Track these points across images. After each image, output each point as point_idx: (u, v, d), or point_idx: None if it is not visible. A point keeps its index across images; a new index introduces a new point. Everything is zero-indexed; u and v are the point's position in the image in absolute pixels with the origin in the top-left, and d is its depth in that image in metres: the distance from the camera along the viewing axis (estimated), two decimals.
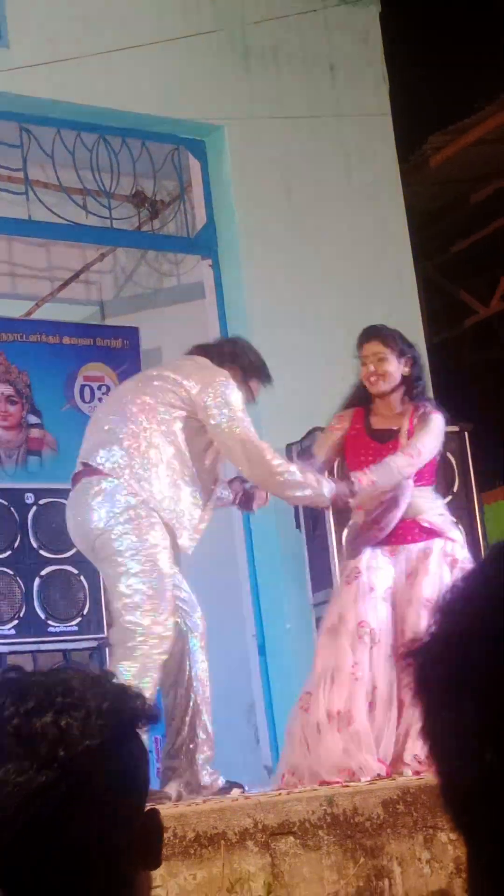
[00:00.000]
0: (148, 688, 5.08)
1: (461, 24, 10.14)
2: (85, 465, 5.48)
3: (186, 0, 8.26)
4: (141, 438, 5.40)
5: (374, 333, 6.04)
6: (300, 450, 7.31)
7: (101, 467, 5.38)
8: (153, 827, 1.50)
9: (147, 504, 5.32)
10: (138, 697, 1.52)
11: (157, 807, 1.60)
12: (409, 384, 5.99)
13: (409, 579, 5.62)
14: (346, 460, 6.04)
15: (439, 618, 0.75)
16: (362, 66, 8.84)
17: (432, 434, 5.82)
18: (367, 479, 5.67)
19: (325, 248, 8.32)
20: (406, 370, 5.97)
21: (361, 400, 6.07)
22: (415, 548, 5.72)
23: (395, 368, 5.92)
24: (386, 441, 5.86)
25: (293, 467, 5.72)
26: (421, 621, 5.54)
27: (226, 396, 5.49)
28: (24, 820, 1.39)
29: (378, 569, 5.71)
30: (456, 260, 11.39)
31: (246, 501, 6.10)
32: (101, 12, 7.89)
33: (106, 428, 5.51)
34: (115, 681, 1.54)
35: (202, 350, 5.85)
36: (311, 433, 7.14)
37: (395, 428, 5.87)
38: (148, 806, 1.51)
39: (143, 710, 1.51)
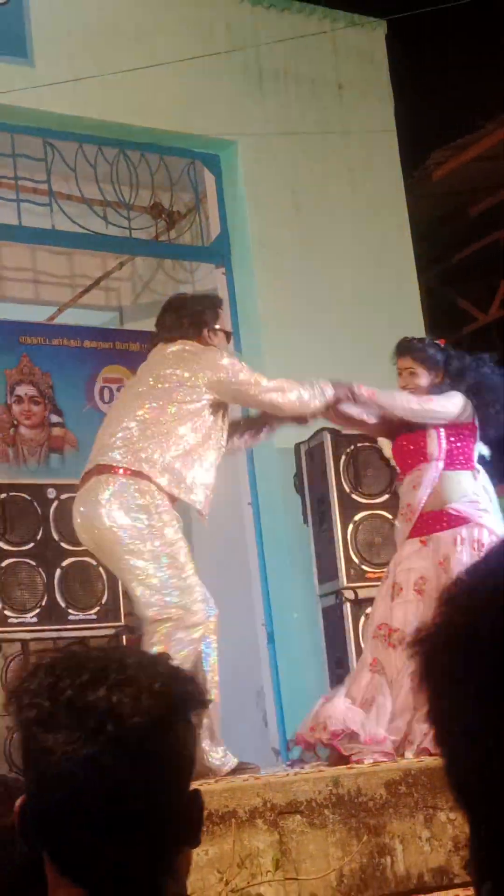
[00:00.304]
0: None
1: (463, 46, 10.14)
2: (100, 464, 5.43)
3: (203, 23, 8.28)
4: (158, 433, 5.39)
5: (405, 349, 6.14)
6: (308, 449, 7.33)
7: (115, 464, 5.35)
8: (196, 807, 1.48)
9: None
10: (190, 681, 1.50)
11: None
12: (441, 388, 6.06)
13: (441, 567, 5.63)
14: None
15: (444, 609, 0.77)
16: (368, 86, 8.84)
17: (447, 397, 5.89)
18: (368, 389, 5.79)
19: (332, 257, 8.33)
20: (437, 380, 6.03)
21: None
22: (445, 535, 5.70)
23: (426, 380, 5.99)
24: (415, 429, 5.94)
25: (266, 381, 5.68)
26: None
27: (234, 368, 5.53)
28: (69, 787, 1.38)
29: (410, 567, 5.72)
30: (456, 269, 11.38)
31: (254, 436, 6.10)
32: (122, 33, 7.91)
33: (120, 429, 5.47)
34: (170, 662, 1.52)
35: (172, 332, 5.74)
36: (318, 433, 7.15)
37: None
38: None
39: (194, 693, 1.49)
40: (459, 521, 5.72)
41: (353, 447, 7.11)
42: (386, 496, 7.07)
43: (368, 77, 8.85)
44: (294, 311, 8.10)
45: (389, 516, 6.99)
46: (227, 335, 5.85)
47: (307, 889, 4.26)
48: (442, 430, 5.85)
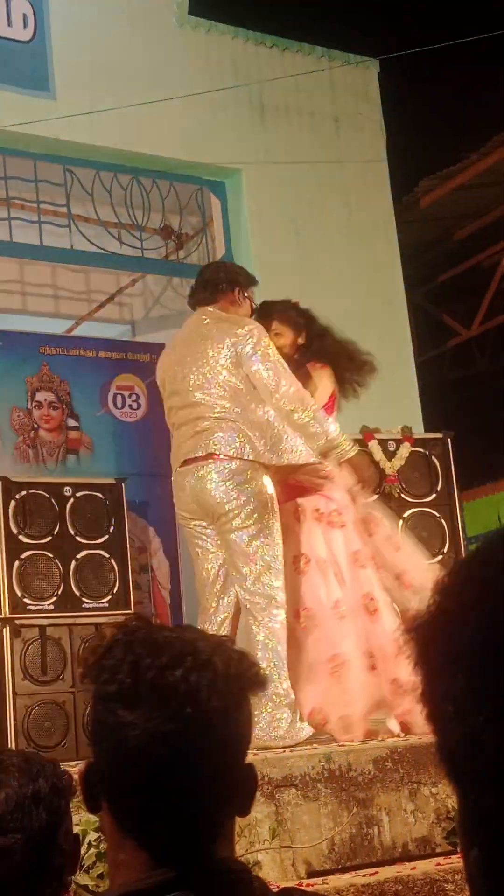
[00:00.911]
0: None
1: (449, 83, 10.16)
2: None
3: (211, 60, 8.29)
4: None
5: (267, 312, 6.10)
6: None
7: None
8: (251, 779, 1.49)
9: None
10: (255, 665, 1.50)
11: None
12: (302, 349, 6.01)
13: None
14: None
15: (438, 598, 0.77)
16: (362, 120, 8.86)
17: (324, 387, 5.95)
18: None
19: (327, 276, 8.33)
20: (301, 341, 6.01)
21: None
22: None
23: (289, 340, 5.97)
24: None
25: None
26: None
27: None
28: (145, 760, 1.39)
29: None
30: (441, 288, 11.40)
31: None
32: (136, 69, 7.92)
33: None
34: (234, 646, 1.52)
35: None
36: None
37: None
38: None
39: (258, 678, 1.50)
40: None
41: None
42: (375, 496, 7.06)
43: (362, 111, 8.87)
44: None
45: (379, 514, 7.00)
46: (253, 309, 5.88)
47: (301, 856, 4.26)
48: None
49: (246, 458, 5.25)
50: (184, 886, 1.36)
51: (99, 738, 1.45)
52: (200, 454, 5.29)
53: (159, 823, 1.40)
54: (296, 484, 5.62)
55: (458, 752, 0.74)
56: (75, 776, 1.54)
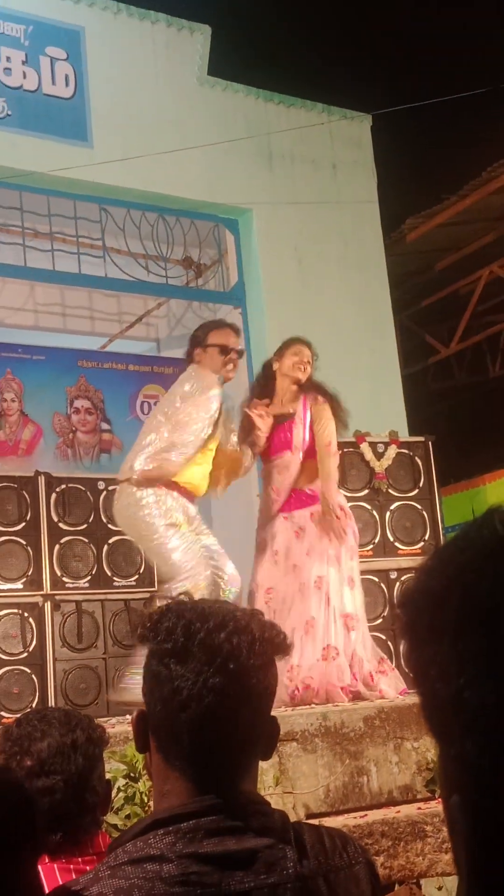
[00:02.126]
0: None
1: (433, 135, 10.16)
2: None
3: (226, 114, 8.30)
4: None
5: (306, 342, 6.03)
6: None
7: None
8: (275, 729, 1.52)
9: None
10: (283, 633, 1.54)
11: None
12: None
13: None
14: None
15: (423, 578, 0.78)
16: (357, 166, 8.86)
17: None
18: None
19: (326, 301, 8.34)
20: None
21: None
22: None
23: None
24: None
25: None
26: None
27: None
28: (195, 707, 1.42)
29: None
30: (424, 312, 11.39)
31: None
32: (163, 122, 7.94)
33: None
34: (264, 617, 1.55)
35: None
36: None
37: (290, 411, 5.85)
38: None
39: (285, 643, 1.53)
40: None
41: (340, 451, 7.09)
42: (366, 491, 7.06)
43: (357, 159, 8.87)
44: None
45: (369, 507, 7.00)
46: (222, 348, 5.51)
47: (301, 801, 4.26)
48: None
49: None
50: (222, 812, 1.41)
51: (152, 688, 1.48)
52: None
53: (202, 760, 1.44)
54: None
55: (442, 709, 0.74)
56: (108, 730, 1.56)
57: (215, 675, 1.43)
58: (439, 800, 0.81)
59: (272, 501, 5.75)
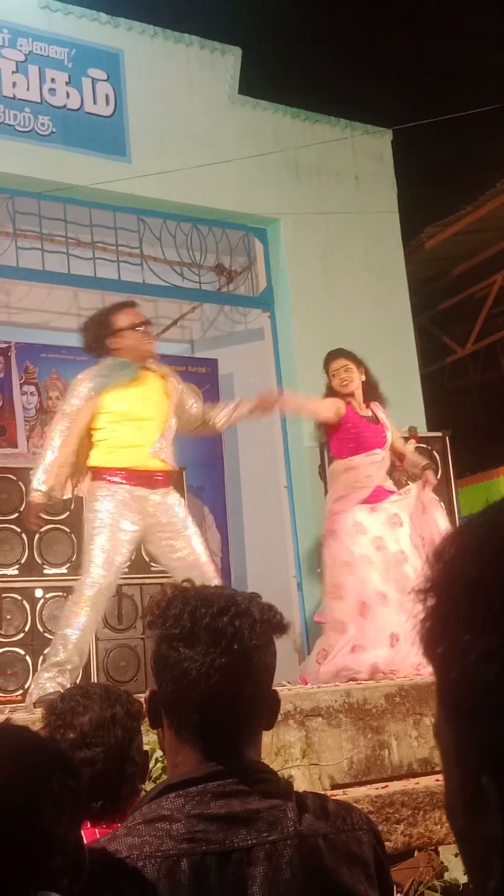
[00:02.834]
0: None
1: (450, 148, 10.10)
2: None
3: (256, 129, 8.28)
4: None
5: (343, 353, 6.08)
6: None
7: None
8: (276, 702, 1.55)
9: None
10: (280, 614, 1.56)
11: None
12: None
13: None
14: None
15: (449, 563, 0.75)
16: (378, 178, 8.82)
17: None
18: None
19: (350, 305, 8.31)
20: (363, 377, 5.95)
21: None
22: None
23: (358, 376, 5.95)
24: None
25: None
26: None
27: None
28: (203, 686, 1.45)
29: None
30: (442, 314, 11.34)
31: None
32: (196, 137, 7.93)
33: None
34: (262, 600, 1.58)
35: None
36: None
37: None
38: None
39: (282, 623, 1.56)
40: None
41: None
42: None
43: (378, 171, 8.83)
44: (321, 345, 8.03)
45: None
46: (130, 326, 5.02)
47: (326, 772, 4.25)
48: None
49: None
50: (227, 777, 1.44)
51: (163, 670, 1.50)
52: None
53: (210, 733, 1.47)
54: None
55: (476, 695, 0.70)
56: (144, 703, 1.60)
57: (221, 656, 1.46)
58: (450, 780, 0.76)
59: (356, 493, 5.73)
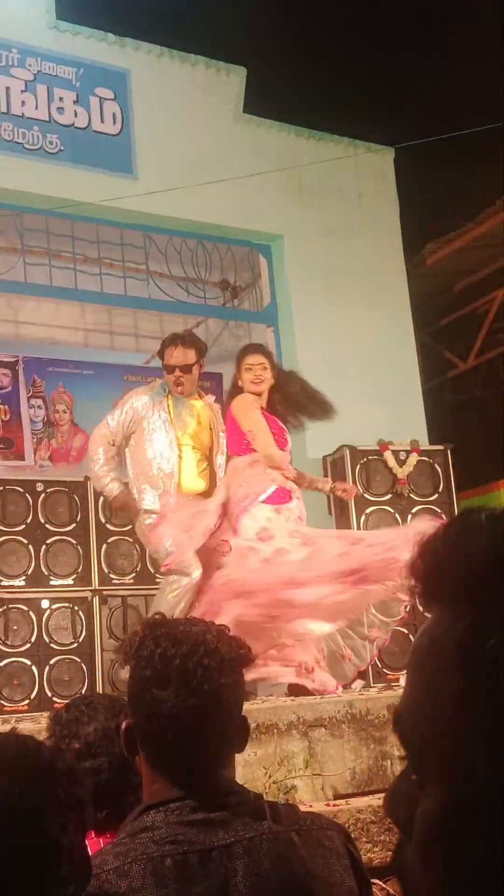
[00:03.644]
0: None
1: (451, 166, 10.12)
2: None
3: (260, 149, 8.31)
4: None
5: (257, 349, 5.67)
6: (332, 460, 7.32)
7: None
8: (246, 728, 1.61)
9: None
10: (246, 647, 1.61)
11: None
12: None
13: None
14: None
15: (426, 556, 0.75)
16: (380, 196, 8.83)
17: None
18: None
19: (352, 321, 8.31)
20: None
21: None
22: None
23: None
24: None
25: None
26: None
27: None
28: (176, 725, 1.51)
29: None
30: (443, 330, 11.34)
31: None
32: (202, 155, 7.95)
33: None
34: (230, 633, 1.63)
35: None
36: (339, 448, 7.15)
37: None
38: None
39: (249, 656, 1.61)
40: None
41: (365, 459, 7.09)
42: (389, 496, 7.04)
43: (380, 189, 8.85)
44: (324, 360, 8.09)
45: (392, 510, 6.97)
46: (168, 368, 5.50)
47: (329, 782, 4.24)
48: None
49: None
50: (203, 795, 1.51)
51: (137, 707, 1.57)
52: None
53: (184, 766, 1.54)
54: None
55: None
56: (121, 735, 1.68)
57: (191, 697, 1.51)
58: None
59: (261, 486, 5.36)
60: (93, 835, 2.00)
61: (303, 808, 1.70)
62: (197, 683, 1.50)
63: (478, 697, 0.67)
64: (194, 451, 5.44)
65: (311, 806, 3.81)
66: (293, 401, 5.54)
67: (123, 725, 1.59)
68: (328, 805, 3.90)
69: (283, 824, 1.51)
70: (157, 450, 5.36)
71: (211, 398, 5.69)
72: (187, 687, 1.50)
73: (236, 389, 5.51)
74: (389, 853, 3.65)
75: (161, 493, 5.28)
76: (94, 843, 1.97)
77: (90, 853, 1.35)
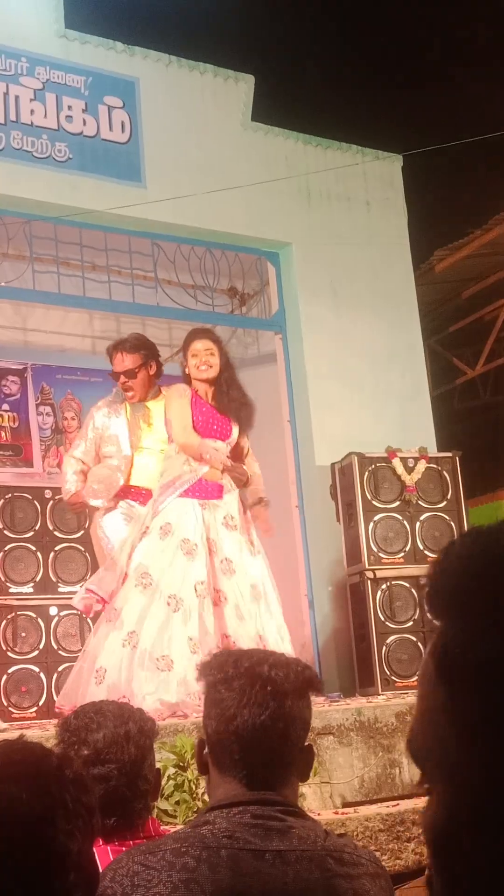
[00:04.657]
0: None
1: (458, 174, 10.13)
2: None
3: (268, 157, 8.32)
4: None
5: (203, 333, 5.47)
6: (340, 467, 7.30)
7: None
8: (310, 756, 1.72)
9: None
10: (314, 672, 1.74)
11: None
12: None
13: None
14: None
15: (437, 571, 0.77)
16: (389, 203, 8.83)
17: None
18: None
19: (360, 328, 8.31)
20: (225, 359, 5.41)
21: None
22: None
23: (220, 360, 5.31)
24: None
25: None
26: None
27: None
28: (237, 724, 1.63)
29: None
30: (451, 337, 11.35)
31: None
32: (210, 163, 7.96)
33: None
34: (302, 661, 1.77)
35: None
36: (347, 455, 7.14)
37: None
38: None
39: (315, 680, 1.73)
40: None
41: (373, 466, 7.07)
42: (397, 503, 7.03)
43: (389, 197, 8.85)
44: (332, 367, 8.10)
45: (400, 517, 6.96)
46: (114, 375, 5.72)
47: (337, 790, 4.23)
48: None
49: None
50: (265, 804, 1.60)
51: (208, 710, 1.68)
52: None
53: (248, 763, 1.63)
54: None
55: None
56: (158, 722, 1.75)
57: (256, 695, 1.62)
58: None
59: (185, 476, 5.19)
60: (101, 842, 1.99)
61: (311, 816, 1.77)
62: (262, 684, 1.62)
63: (457, 703, 0.71)
64: (160, 452, 5.46)
65: (318, 814, 3.80)
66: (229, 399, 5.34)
67: (196, 740, 1.76)
68: (336, 813, 3.89)
69: (335, 844, 1.59)
70: (111, 452, 5.52)
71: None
72: (252, 686, 1.62)
73: (184, 378, 5.36)
74: (398, 861, 3.64)
75: (105, 489, 5.41)
76: (102, 851, 1.97)
77: (98, 860, 1.35)
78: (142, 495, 5.42)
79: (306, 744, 1.70)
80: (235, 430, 5.33)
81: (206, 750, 1.68)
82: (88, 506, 5.61)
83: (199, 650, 4.60)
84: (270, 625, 4.98)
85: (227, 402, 5.30)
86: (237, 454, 5.35)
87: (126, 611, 4.83)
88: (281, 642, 4.91)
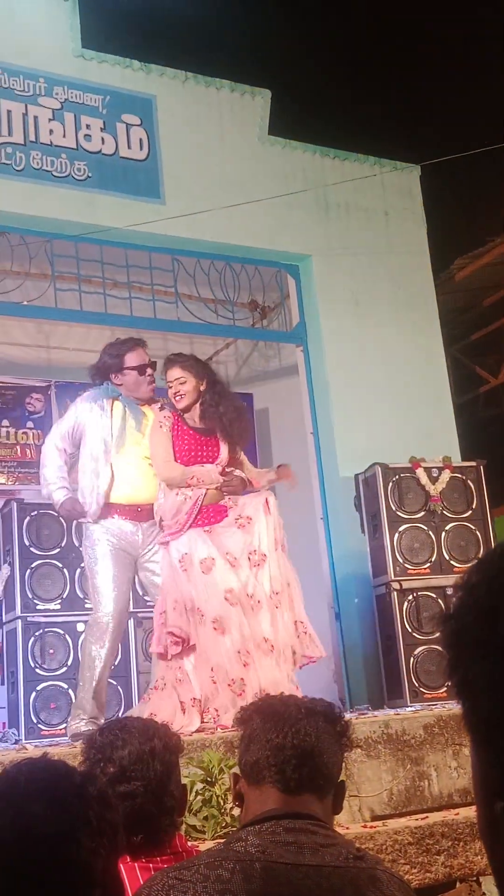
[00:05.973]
0: None
1: (477, 183, 10.12)
2: None
3: (286, 169, 8.35)
4: None
5: (173, 361, 5.38)
6: (365, 478, 7.29)
7: None
8: (342, 790, 1.84)
9: None
10: (345, 722, 1.90)
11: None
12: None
13: None
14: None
15: (467, 592, 0.76)
16: (407, 213, 8.84)
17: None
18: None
19: (381, 339, 8.31)
20: (202, 387, 5.25)
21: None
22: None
23: (192, 387, 5.23)
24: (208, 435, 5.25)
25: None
26: None
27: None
28: (270, 747, 1.79)
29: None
30: (473, 345, 11.31)
31: None
32: (229, 178, 8.00)
33: None
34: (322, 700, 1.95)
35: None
36: (371, 466, 7.13)
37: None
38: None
39: (345, 727, 1.90)
40: None
41: (397, 476, 7.06)
42: (422, 513, 7.01)
43: (407, 207, 8.85)
44: (353, 378, 8.10)
45: (425, 528, 6.94)
46: (139, 368, 5.52)
47: (366, 804, 4.21)
48: None
49: None
50: (297, 818, 1.68)
51: (247, 744, 1.83)
52: None
53: (283, 778, 1.75)
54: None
55: (487, 720, 0.71)
56: (185, 738, 1.80)
57: (294, 728, 1.80)
58: (478, 808, 0.78)
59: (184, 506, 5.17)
60: (128, 859, 2.00)
61: (339, 831, 1.82)
62: (294, 716, 1.80)
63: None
64: (144, 459, 5.28)
65: (347, 828, 3.78)
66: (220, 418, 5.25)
67: (231, 774, 1.86)
68: (365, 827, 3.87)
69: (366, 860, 1.65)
70: (93, 454, 5.27)
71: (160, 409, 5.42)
72: (290, 727, 1.78)
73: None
74: (428, 875, 3.62)
75: (93, 497, 5.20)
76: (129, 868, 1.97)
77: (126, 877, 1.35)
78: (127, 512, 5.24)
79: (340, 780, 1.82)
80: (224, 449, 5.23)
81: (240, 782, 1.80)
82: (85, 515, 5.31)
83: (250, 658, 4.74)
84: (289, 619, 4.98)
85: (217, 418, 5.20)
86: (235, 468, 5.30)
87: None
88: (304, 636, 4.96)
